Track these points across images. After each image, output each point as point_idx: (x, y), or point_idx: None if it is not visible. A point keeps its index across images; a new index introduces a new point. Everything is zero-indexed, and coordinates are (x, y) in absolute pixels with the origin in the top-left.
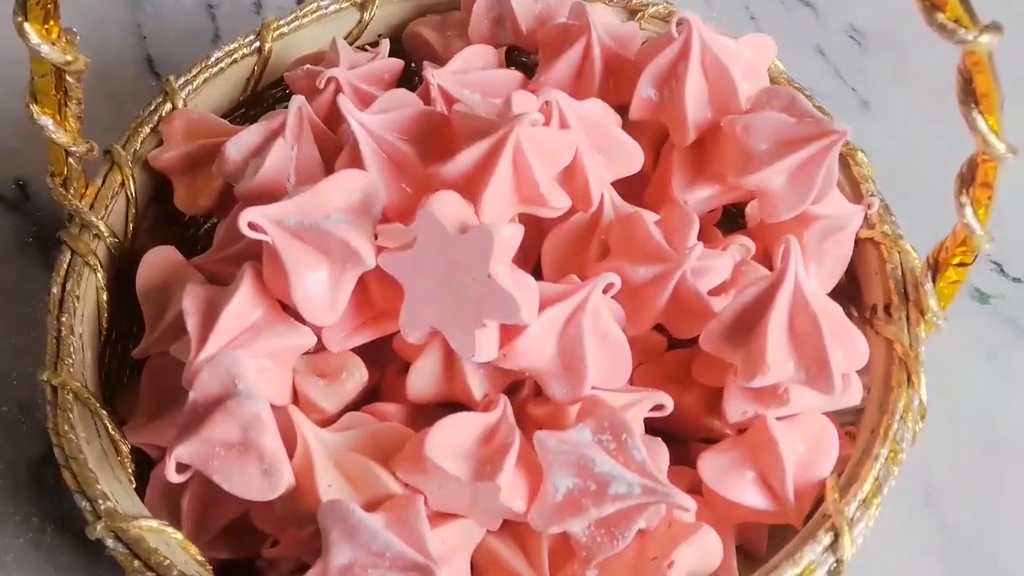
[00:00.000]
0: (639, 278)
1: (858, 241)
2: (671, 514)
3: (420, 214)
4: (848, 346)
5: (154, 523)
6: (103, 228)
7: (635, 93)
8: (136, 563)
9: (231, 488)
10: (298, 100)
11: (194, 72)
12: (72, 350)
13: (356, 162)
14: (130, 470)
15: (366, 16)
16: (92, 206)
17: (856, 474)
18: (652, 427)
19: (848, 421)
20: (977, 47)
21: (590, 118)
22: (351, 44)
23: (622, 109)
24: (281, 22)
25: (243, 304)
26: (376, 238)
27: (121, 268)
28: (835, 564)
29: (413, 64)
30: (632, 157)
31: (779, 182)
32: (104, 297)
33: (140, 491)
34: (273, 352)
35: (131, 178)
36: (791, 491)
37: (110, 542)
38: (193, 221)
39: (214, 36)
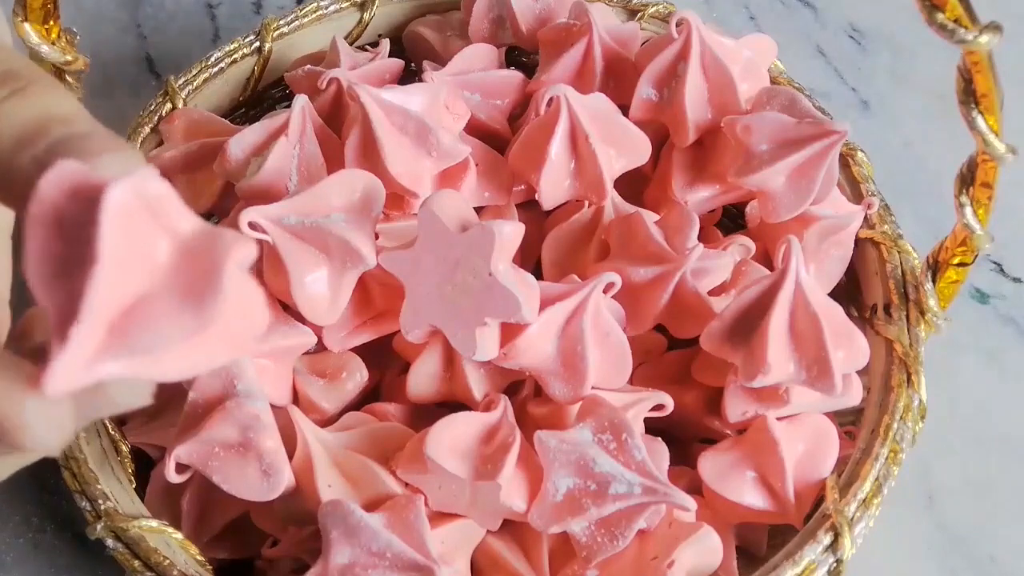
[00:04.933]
0: (639, 278)
1: (858, 241)
2: (671, 514)
3: (421, 212)
4: (849, 346)
5: (154, 523)
6: None
7: (635, 93)
8: (136, 563)
9: (231, 488)
10: (302, 99)
11: (194, 72)
12: None
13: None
14: (130, 470)
15: (366, 16)
16: None
17: (856, 474)
18: (652, 427)
19: (848, 421)
20: (977, 47)
21: (598, 110)
22: (351, 44)
23: (622, 109)
24: (281, 22)
25: None
26: (377, 237)
27: None
28: (835, 564)
29: (413, 64)
30: (640, 147)
31: (779, 182)
32: None
33: (140, 491)
34: (273, 352)
35: None
36: (791, 491)
37: (110, 542)
38: None
39: (214, 36)
